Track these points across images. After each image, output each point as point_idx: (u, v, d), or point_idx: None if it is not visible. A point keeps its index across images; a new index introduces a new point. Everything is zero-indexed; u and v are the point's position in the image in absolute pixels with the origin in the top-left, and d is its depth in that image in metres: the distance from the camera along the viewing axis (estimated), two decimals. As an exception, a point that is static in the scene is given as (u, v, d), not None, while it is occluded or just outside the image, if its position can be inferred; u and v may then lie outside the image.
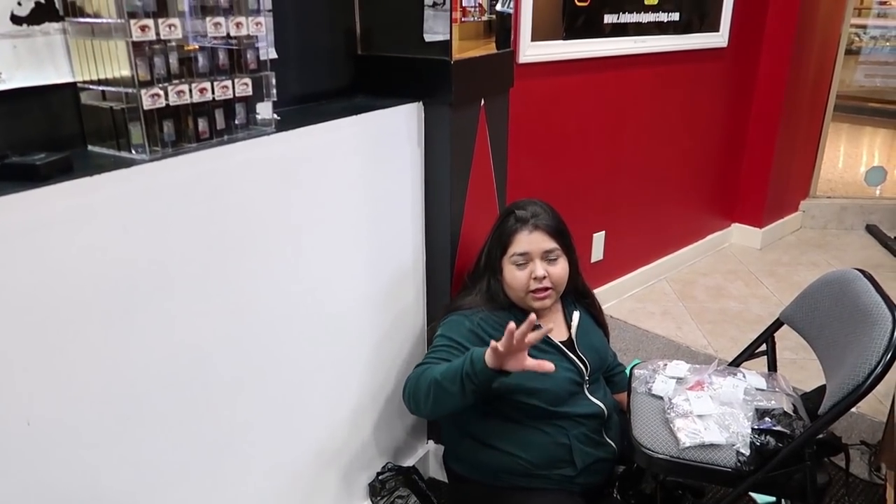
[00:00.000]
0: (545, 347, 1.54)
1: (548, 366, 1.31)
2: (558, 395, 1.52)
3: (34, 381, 1.01)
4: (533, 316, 1.29)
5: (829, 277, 1.58)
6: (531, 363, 1.30)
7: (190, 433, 1.27)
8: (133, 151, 1.12)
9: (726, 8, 2.99)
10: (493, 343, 1.28)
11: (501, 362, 1.30)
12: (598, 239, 2.82)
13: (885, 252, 3.52)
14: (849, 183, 4.34)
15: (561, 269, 1.55)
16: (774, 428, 1.35)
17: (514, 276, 1.53)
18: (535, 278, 1.51)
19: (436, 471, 1.96)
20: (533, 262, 1.52)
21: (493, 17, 1.66)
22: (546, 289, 1.52)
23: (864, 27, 4.59)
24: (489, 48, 1.68)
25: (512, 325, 1.25)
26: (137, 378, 1.15)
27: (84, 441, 1.09)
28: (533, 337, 1.27)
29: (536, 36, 2.25)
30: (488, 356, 1.31)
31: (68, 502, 1.09)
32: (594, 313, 1.71)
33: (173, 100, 1.13)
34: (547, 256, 1.53)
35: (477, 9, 1.60)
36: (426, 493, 1.77)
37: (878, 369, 1.26)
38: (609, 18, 2.51)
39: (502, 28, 1.71)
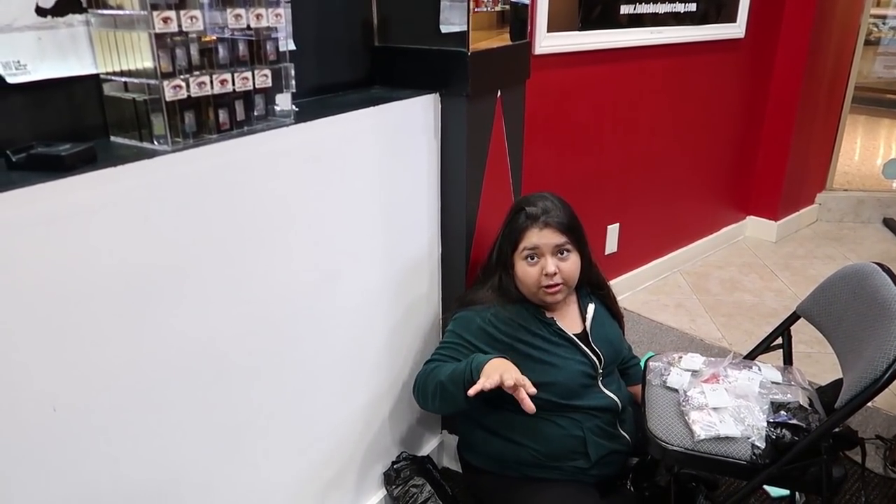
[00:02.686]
0: (558, 341, 1.55)
1: (529, 393, 1.32)
2: (570, 388, 1.52)
3: (59, 369, 1.02)
4: (528, 396, 1.31)
5: (847, 271, 1.57)
6: (522, 381, 1.33)
7: (208, 422, 1.29)
8: (155, 142, 1.13)
9: (744, -2, 2.97)
10: (480, 383, 1.32)
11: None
12: (613, 231, 2.81)
13: (902, 246, 3.50)
14: (866, 176, 4.29)
15: (572, 264, 1.54)
16: (790, 421, 1.35)
17: (526, 272, 1.53)
18: (546, 274, 1.51)
19: (450, 461, 1.98)
20: (544, 257, 1.52)
21: (507, 7, 1.65)
22: (557, 284, 1.52)
23: (883, 17, 4.51)
24: (502, 39, 1.67)
25: (509, 382, 1.30)
26: (157, 366, 1.17)
27: (106, 427, 1.11)
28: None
29: (553, 27, 2.24)
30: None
31: (90, 486, 1.11)
32: (609, 305, 1.71)
33: (195, 91, 1.14)
34: (558, 252, 1.53)
35: (490, -1, 1.60)
36: (440, 483, 1.79)
37: (897, 363, 1.26)
38: (625, 9, 2.50)
39: (518, 19, 1.71)
